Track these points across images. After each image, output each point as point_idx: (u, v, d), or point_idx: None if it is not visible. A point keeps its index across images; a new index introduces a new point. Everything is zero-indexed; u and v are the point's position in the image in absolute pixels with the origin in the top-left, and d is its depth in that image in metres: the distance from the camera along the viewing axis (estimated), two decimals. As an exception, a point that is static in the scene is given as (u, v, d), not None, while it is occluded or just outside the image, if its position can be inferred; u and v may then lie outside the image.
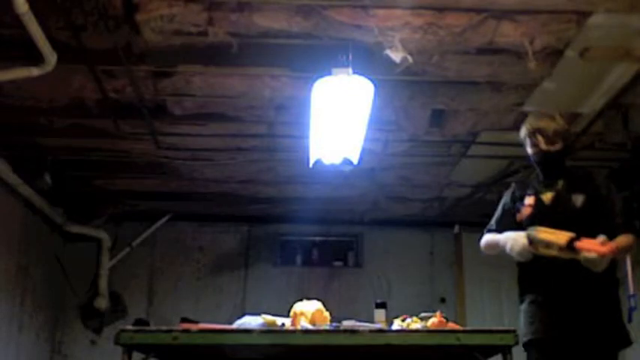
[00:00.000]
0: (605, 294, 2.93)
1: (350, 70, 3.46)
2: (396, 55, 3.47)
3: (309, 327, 3.11)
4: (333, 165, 4.19)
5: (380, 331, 3.10)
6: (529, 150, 3.02)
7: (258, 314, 3.25)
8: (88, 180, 5.96)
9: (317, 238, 7.30)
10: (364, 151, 4.39)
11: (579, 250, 2.70)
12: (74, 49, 3.63)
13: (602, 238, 2.69)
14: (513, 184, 3.20)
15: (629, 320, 5.37)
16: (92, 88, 4.15)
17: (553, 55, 3.68)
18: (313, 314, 3.22)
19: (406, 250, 7.11)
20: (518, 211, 3.03)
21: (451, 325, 3.23)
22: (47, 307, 6.37)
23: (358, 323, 3.23)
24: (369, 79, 3.53)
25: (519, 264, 3.02)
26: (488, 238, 3.13)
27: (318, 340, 2.98)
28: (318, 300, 3.39)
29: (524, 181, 3.16)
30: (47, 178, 5.36)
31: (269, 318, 3.15)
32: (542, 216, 2.90)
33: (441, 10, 3.34)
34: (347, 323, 3.23)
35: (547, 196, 2.96)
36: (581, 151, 4.95)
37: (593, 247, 2.69)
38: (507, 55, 3.67)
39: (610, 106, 4.30)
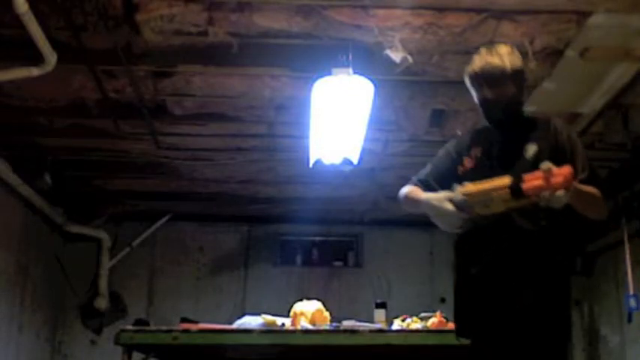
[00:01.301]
0: (552, 276, 2.34)
1: (350, 70, 3.46)
2: (396, 55, 3.47)
3: (309, 327, 3.11)
4: (333, 165, 4.19)
5: (380, 331, 3.11)
6: (474, 97, 2.49)
7: (258, 314, 3.26)
8: (88, 180, 5.95)
9: (317, 238, 7.30)
10: (364, 151, 4.39)
11: (529, 195, 2.15)
12: (74, 49, 3.63)
13: (546, 165, 2.13)
14: (465, 134, 2.68)
15: (629, 320, 5.39)
16: (92, 88, 4.15)
17: (553, 55, 3.68)
18: (313, 314, 3.23)
19: (406, 250, 7.11)
20: (461, 164, 2.50)
21: (451, 325, 3.23)
22: (47, 307, 6.37)
23: (358, 323, 3.23)
24: (369, 79, 3.53)
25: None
26: (411, 190, 2.55)
27: (318, 340, 2.99)
28: (318, 300, 3.39)
29: (477, 130, 2.63)
30: (47, 178, 5.36)
31: (269, 318, 3.15)
32: (485, 170, 2.38)
33: (441, 10, 3.34)
34: (347, 323, 3.23)
35: (494, 148, 2.46)
36: (581, 151, 4.94)
37: (541, 183, 2.12)
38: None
39: (610, 106, 4.30)
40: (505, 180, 2.17)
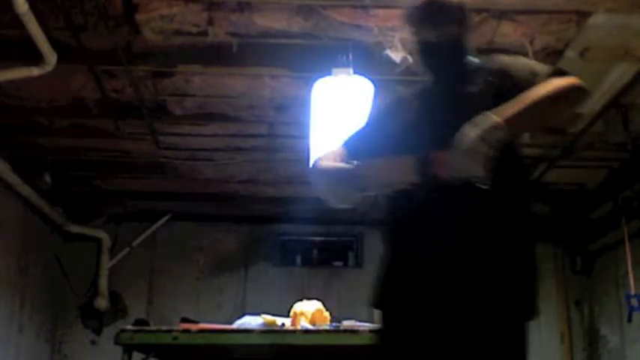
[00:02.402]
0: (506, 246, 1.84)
1: (350, 70, 3.46)
2: (396, 55, 3.47)
3: (309, 327, 3.11)
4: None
5: (380, 331, 3.10)
6: (413, 45, 2.10)
7: (258, 314, 3.25)
8: (88, 180, 5.95)
9: (317, 238, 7.29)
10: (364, 151, 4.39)
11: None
12: (74, 49, 3.63)
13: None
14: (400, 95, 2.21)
15: (629, 320, 5.39)
16: (92, 88, 4.15)
17: (553, 55, 3.68)
18: (313, 314, 3.22)
19: (406, 250, 7.10)
20: (389, 127, 2.06)
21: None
22: (47, 307, 6.37)
23: (358, 323, 3.23)
24: (369, 79, 3.53)
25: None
26: (324, 156, 2.12)
27: (318, 340, 2.98)
28: (318, 300, 3.39)
29: (415, 90, 2.15)
30: (47, 178, 5.36)
31: (269, 318, 3.15)
32: (415, 135, 1.94)
33: (441, 10, 3.34)
34: (347, 323, 3.23)
35: (431, 106, 2.01)
36: (581, 151, 4.95)
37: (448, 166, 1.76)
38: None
39: (610, 106, 4.30)
40: (410, 160, 1.82)
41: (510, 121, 1.71)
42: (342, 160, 2.01)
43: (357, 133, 2.16)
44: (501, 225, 1.85)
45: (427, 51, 2.02)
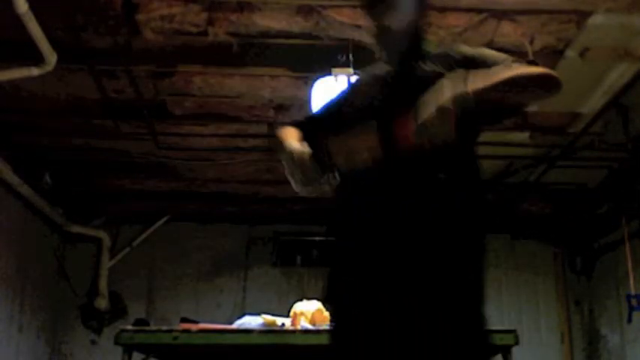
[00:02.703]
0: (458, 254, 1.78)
1: (350, 70, 3.46)
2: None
3: (309, 327, 3.11)
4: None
5: (380, 331, 3.10)
6: (371, 30, 2.05)
7: (258, 314, 3.25)
8: (88, 180, 5.95)
9: (317, 238, 7.29)
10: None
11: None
12: (74, 49, 3.64)
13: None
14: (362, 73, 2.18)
15: (629, 320, 5.39)
16: (92, 88, 4.15)
17: (553, 55, 3.69)
18: (313, 314, 3.22)
19: (406, 250, 7.10)
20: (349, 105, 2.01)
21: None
22: (47, 307, 6.37)
23: (358, 323, 3.22)
24: (369, 79, 3.52)
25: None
26: (285, 130, 2.04)
27: (318, 340, 2.98)
28: (318, 300, 3.39)
29: (373, 71, 2.08)
30: (47, 178, 5.36)
31: (269, 318, 3.15)
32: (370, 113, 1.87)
33: (441, 10, 3.34)
34: (347, 323, 3.22)
35: (390, 88, 1.93)
36: (581, 151, 4.95)
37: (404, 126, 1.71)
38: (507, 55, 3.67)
39: (610, 106, 4.30)
40: (372, 130, 1.78)
41: (478, 93, 1.69)
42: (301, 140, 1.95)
43: (316, 114, 2.14)
44: (455, 216, 1.79)
45: (385, 36, 1.98)
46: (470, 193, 1.85)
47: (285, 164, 1.93)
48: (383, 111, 1.84)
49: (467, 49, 2.00)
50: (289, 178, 1.95)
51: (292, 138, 1.96)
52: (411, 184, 1.78)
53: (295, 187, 1.97)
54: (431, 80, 1.79)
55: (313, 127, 2.03)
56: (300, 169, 1.87)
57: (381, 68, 2.03)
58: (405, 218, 1.77)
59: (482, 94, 1.69)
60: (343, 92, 2.14)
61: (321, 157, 1.84)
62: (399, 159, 1.76)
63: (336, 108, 2.07)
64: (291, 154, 1.89)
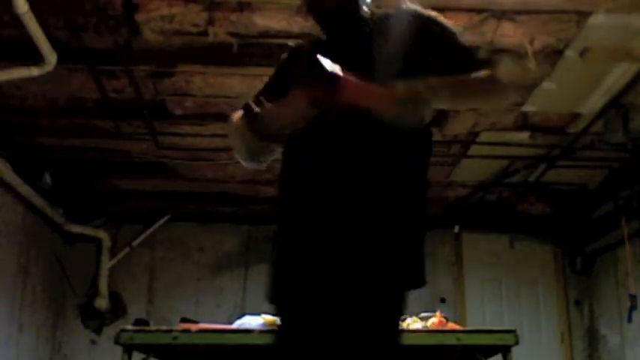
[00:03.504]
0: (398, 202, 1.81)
1: (350, 70, 3.46)
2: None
3: (309, 327, 3.10)
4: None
5: (380, 331, 3.09)
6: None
7: (258, 314, 3.25)
8: (88, 180, 5.95)
9: (317, 238, 7.29)
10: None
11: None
12: (74, 49, 3.64)
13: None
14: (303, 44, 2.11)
15: (629, 320, 5.39)
16: (92, 88, 4.15)
17: (553, 55, 3.69)
18: (313, 314, 3.22)
19: (406, 250, 7.10)
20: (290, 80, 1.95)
21: (451, 325, 3.23)
22: (47, 307, 6.37)
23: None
24: (369, 79, 3.52)
25: None
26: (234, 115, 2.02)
27: (318, 340, 2.98)
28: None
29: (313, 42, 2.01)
30: (47, 178, 5.35)
31: (269, 318, 3.15)
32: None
33: (441, 10, 3.33)
34: (347, 323, 3.22)
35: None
36: (581, 151, 4.95)
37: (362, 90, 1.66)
38: (507, 55, 3.67)
39: (610, 106, 4.30)
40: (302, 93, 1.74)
41: (432, 89, 1.73)
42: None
43: (258, 91, 2.11)
44: (397, 188, 1.83)
45: (317, 17, 1.92)
46: (414, 170, 1.93)
47: (230, 141, 1.98)
48: (310, 74, 1.75)
49: (421, 9, 1.89)
50: (236, 154, 2.03)
51: (236, 116, 1.99)
52: (346, 145, 1.77)
53: (242, 161, 2.07)
54: (370, 42, 1.79)
55: (255, 102, 1.97)
56: (241, 140, 1.94)
57: (317, 38, 1.99)
58: (341, 179, 1.78)
59: (433, 92, 1.75)
60: (281, 63, 2.11)
61: (257, 127, 1.88)
62: (336, 121, 1.73)
63: (274, 80, 2.09)
64: (230, 129, 1.95)
